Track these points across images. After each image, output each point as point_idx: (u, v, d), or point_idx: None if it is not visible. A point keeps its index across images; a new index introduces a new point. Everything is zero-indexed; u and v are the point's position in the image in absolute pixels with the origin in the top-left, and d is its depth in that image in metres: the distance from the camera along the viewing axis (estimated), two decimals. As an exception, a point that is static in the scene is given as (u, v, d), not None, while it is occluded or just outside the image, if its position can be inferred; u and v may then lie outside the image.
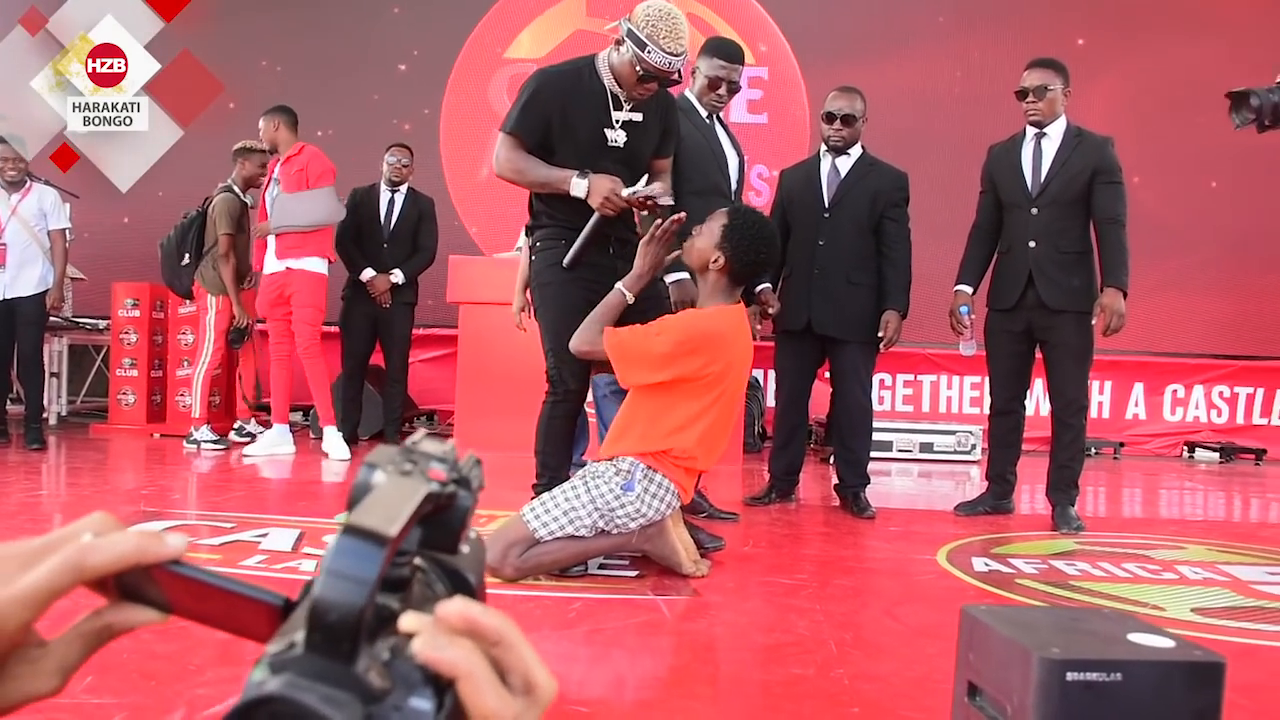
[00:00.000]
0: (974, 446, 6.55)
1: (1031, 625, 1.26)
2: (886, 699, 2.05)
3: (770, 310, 4.15)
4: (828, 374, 4.45)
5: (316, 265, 5.44)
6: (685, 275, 3.58)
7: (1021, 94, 4.14)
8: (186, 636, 2.25)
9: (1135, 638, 1.22)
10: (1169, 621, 2.66)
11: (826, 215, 4.24)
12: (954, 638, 1.49)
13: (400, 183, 6.03)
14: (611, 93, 3.18)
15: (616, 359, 2.85)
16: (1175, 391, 7.45)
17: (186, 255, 5.92)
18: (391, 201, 6.03)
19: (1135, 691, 1.14)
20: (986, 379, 4.46)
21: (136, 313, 6.49)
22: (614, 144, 3.20)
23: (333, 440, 5.48)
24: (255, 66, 7.69)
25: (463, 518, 0.46)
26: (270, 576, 2.75)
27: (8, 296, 5.55)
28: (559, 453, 3.24)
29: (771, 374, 6.03)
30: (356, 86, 7.65)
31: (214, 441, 5.77)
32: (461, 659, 0.39)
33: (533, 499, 2.95)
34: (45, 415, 6.13)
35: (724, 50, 3.92)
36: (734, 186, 4.02)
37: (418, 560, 0.46)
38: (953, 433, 6.62)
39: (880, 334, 4.14)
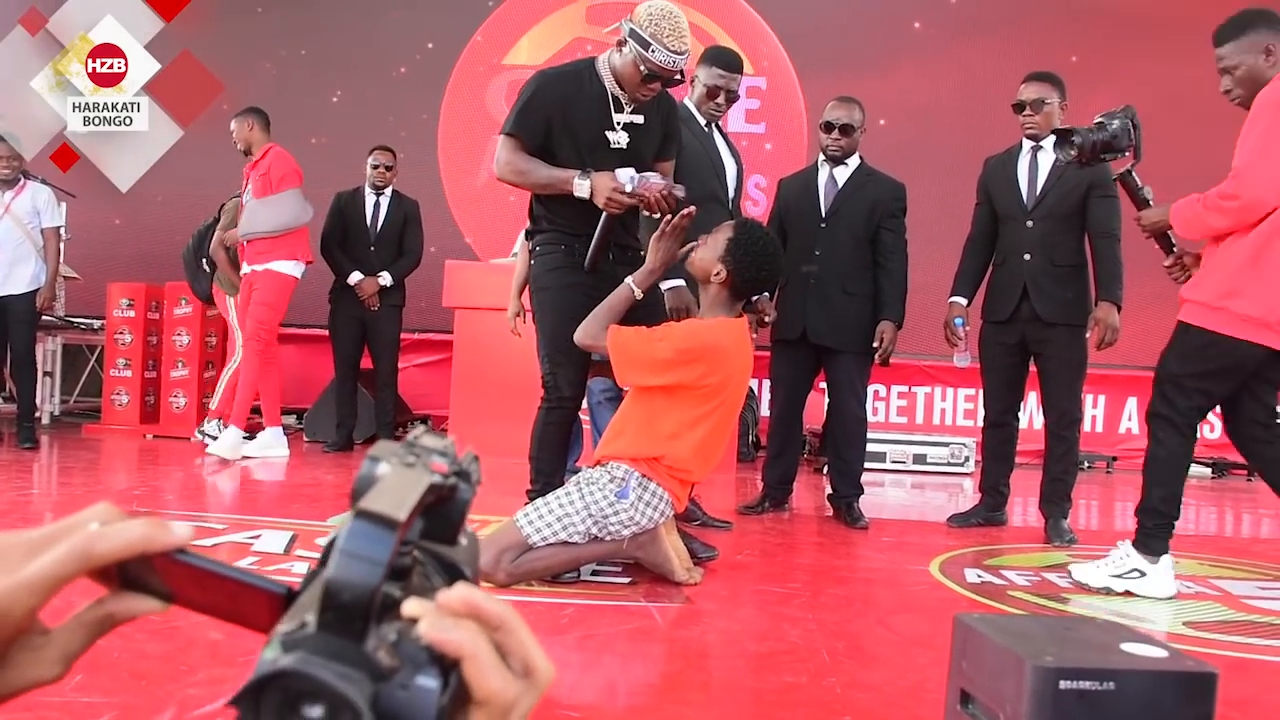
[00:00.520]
0: (967, 458, 6.55)
1: (1025, 634, 1.26)
2: (878, 707, 2.04)
3: (766, 319, 4.15)
4: (823, 384, 4.46)
5: (285, 266, 5.44)
6: (681, 282, 3.58)
7: (1018, 107, 4.15)
8: (178, 636, 2.25)
9: (1129, 647, 1.22)
10: (1159, 635, 2.66)
11: (823, 225, 4.25)
12: (946, 647, 1.50)
13: (384, 186, 6.02)
14: (612, 95, 3.18)
15: (617, 357, 2.85)
16: (1168, 406, 7.45)
17: (204, 261, 6.06)
18: (377, 205, 6.03)
19: (1128, 701, 1.14)
20: (980, 391, 4.46)
21: (131, 313, 6.47)
22: (616, 146, 3.19)
23: (227, 438, 5.39)
24: (255, 67, 7.69)
25: (462, 510, 0.47)
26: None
27: (0, 294, 5.53)
28: (553, 459, 3.23)
29: (767, 383, 6.03)
30: (355, 90, 7.66)
31: (215, 439, 5.80)
32: (466, 640, 0.40)
33: (526, 505, 2.95)
34: (38, 414, 6.10)
35: (723, 59, 3.93)
36: (732, 195, 4.03)
37: (416, 553, 0.47)
38: (946, 444, 6.62)
39: (875, 344, 4.15)
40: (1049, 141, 4.10)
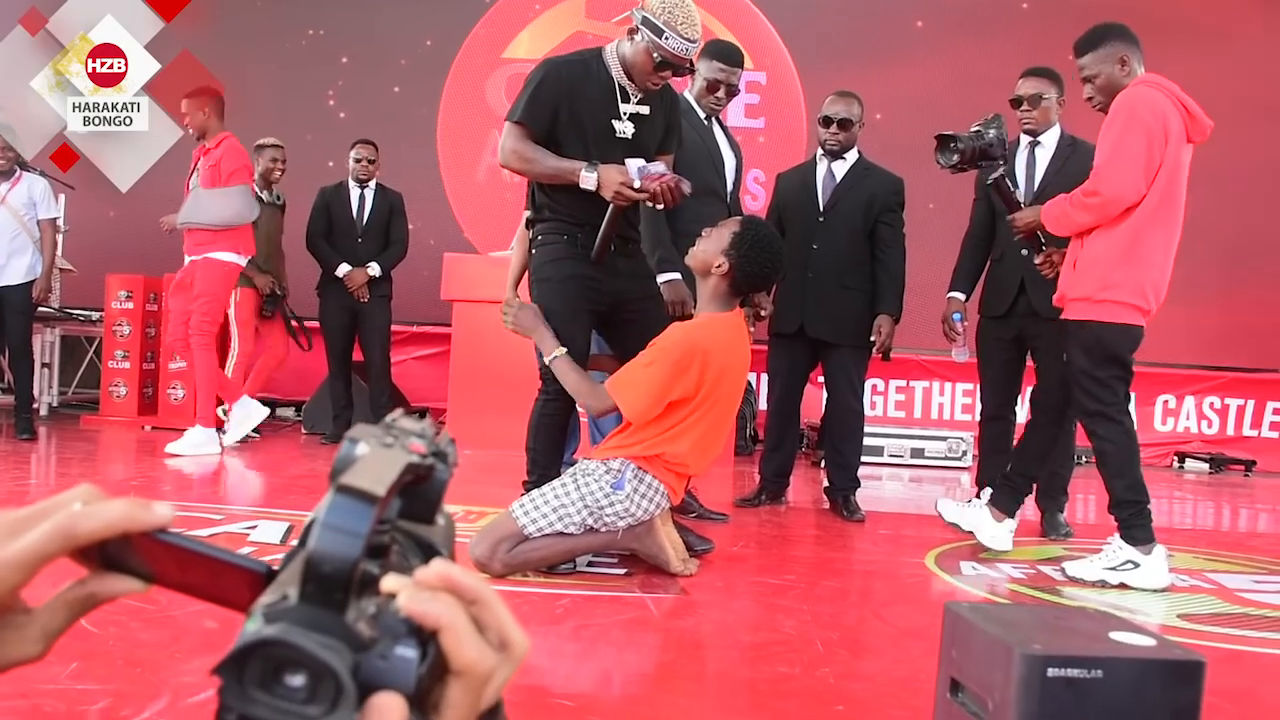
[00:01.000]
0: (965, 453, 6.56)
1: (1014, 622, 1.27)
2: (871, 697, 2.05)
3: (763, 313, 4.16)
4: (821, 378, 4.46)
5: (225, 255, 5.28)
6: (678, 275, 3.59)
7: (1016, 102, 4.14)
8: (171, 625, 2.25)
9: (1117, 636, 1.23)
10: (1154, 627, 2.67)
11: (821, 219, 4.24)
12: (939, 638, 1.50)
13: (368, 179, 6.02)
14: (619, 85, 3.16)
15: (622, 402, 2.87)
16: (1166, 402, 7.47)
17: None
18: (362, 198, 6.03)
19: (1115, 688, 1.14)
20: (978, 386, 4.46)
21: (130, 305, 6.47)
22: (622, 135, 3.18)
23: (193, 438, 5.20)
24: (254, 63, 7.68)
25: (439, 490, 0.48)
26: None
27: None
28: (549, 451, 3.23)
29: (765, 377, 6.04)
30: (354, 86, 7.65)
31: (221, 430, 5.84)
32: (444, 612, 0.41)
33: (523, 496, 2.95)
34: (36, 406, 6.11)
35: (723, 53, 3.93)
36: (730, 189, 4.03)
37: (394, 532, 0.47)
38: (944, 439, 6.63)
39: (873, 338, 4.15)
40: (1047, 137, 4.11)
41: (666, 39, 2.99)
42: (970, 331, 4.30)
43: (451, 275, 5.91)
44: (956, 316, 4.25)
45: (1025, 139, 4.17)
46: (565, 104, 3.11)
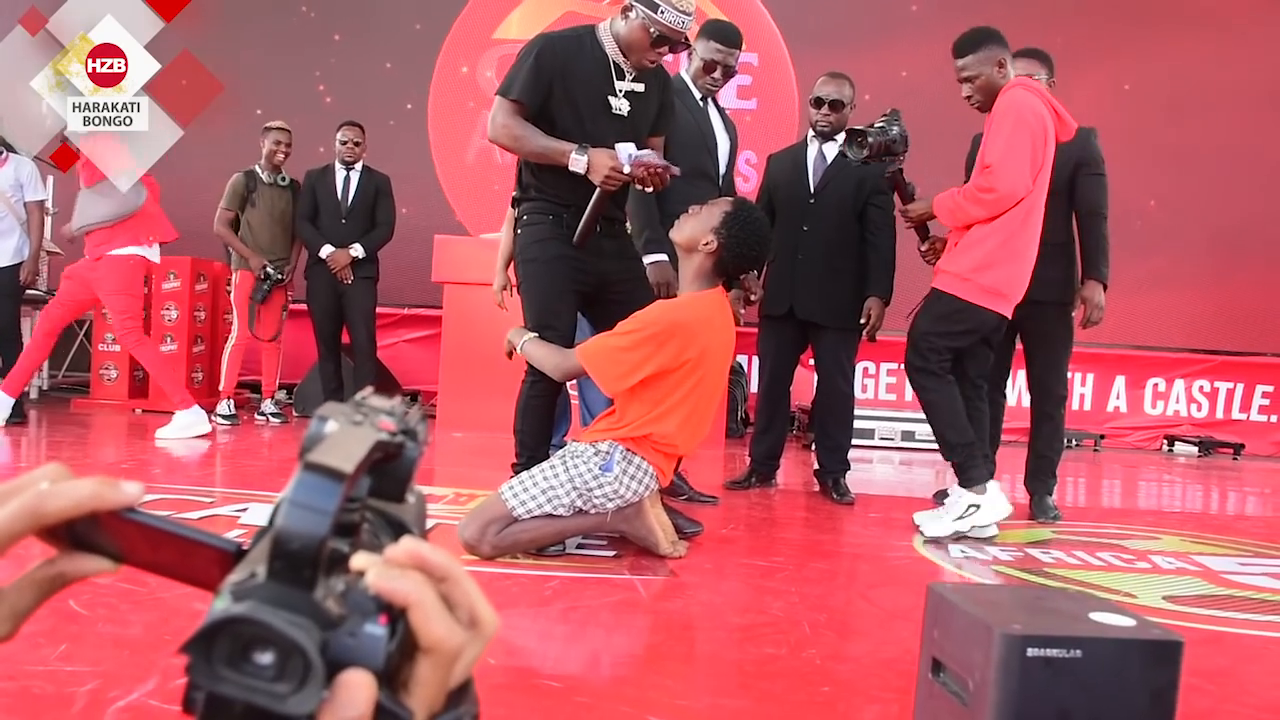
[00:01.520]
0: (955, 436, 6.57)
1: (995, 603, 1.28)
2: (857, 678, 2.07)
3: (753, 296, 4.17)
4: (812, 360, 4.47)
5: (126, 249, 5.19)
6: (664, 257, 3.59)
7: None
8: (160, 607, 2.26)
9: (1097, 616, 1.23)
10: (1140, 608, 2.69)
11: (811, 201, 4.24)
12: (923, 618, 1.51)
13: (354, 161, 6.01)
14: (614, 62, 3.15)
15: (594, 372, 2.86)
16: (1156, 385, 7.51)
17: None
18: (347, 179, 6.02)
19: (1094, 668, 1.15)
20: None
21: (119, 287, 6.44)
22: (618, 113, 3.16)
23: (183, 419, 5.18)
24: (252, 60, 7.63)
25: (410, 468, 0.48)
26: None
27: None
28: (538, 432, 3.24)
29: (756, 360, 6.04)
30: (344, 67, 7.61)
31: (227, 417, 5.92)
32: (412, 589, 0.41)
33: (512, 478, 2.96)
34: (26, 389, 6.09)
35: (721, 33, 3.91)
36: (723, 170, 4.02)
37: (364, 511, 0.47)
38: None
39: (863, 320, 4.16)
40: None
41: (662, 13, 2.98)
42: None
43: (442, 257, 5.90)
44: None
45: None
46: (560, 80, 3.08)
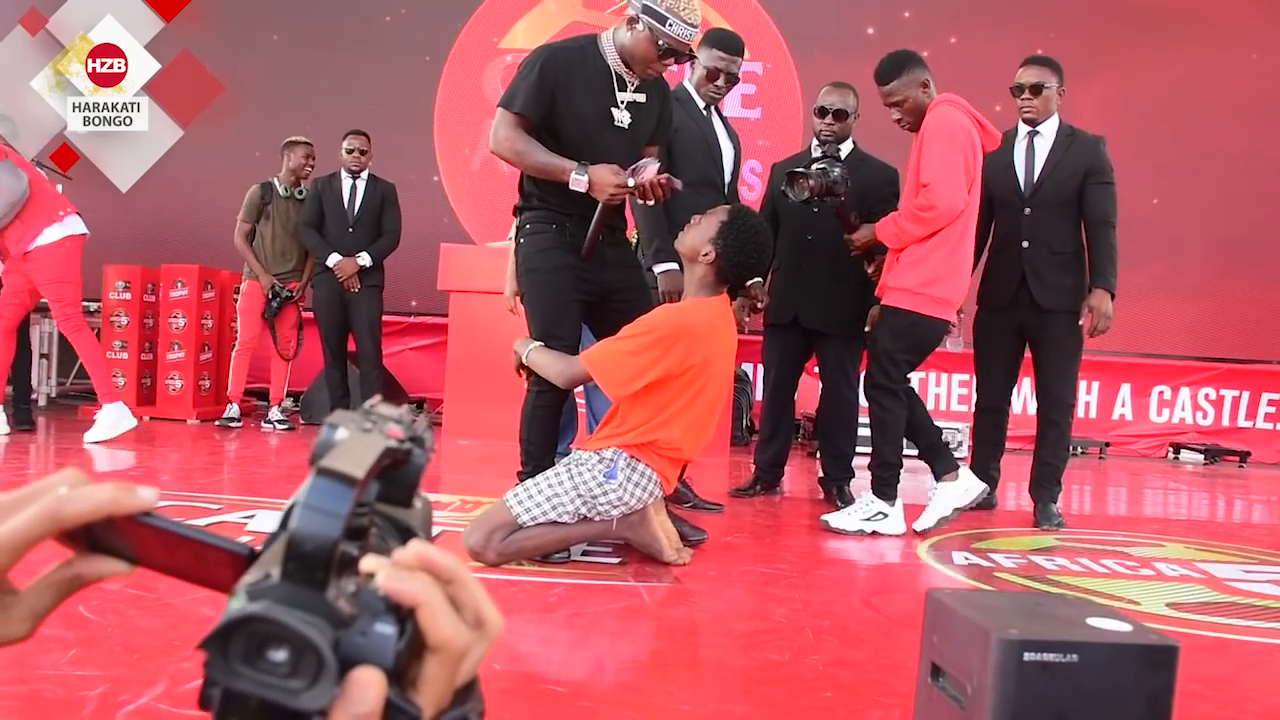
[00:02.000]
0: (960, 443, 6.57)
1: (993, 608, 1.29)
2: (859, 684, 2.08)
3: (759, 305, 4.18)
4: (817, 369, 4.48)
5: (53, 234, 5.05)
6: (674, 266, 3.60)
7: (1017, 90, 4.13)
8: (169, 612, 2.28)
9: (1093, 621, 1.25)
10: (1144, 615, 2.70)
11: (815, 209, 4.25)
12: (924, 624, 1.53)
13: (360, 170, 6.04)
14: (616, 73, 3.16)
15: (599, 376, 2.88)
16: (1162, 393, 7.51)
17: None
18: (354, 188, 6.06)
19: (1090, 672, 1.17)
20: (974, 376, 4.48)
21: (128, 295, 6.49)
22: (620, 125, 3.17)
23: (107, 415, 5.08)
24: (256, 66, 7.68)
25: (417, 474, 0.50)
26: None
27: None
28: (543, 441, 3.25)
29: (761, 368, 6.06)
30: (351, 76, 7.65)
31: (232, 420, 6.03)
32: (421, 589, 0.42)
33: (517, 486, 2.98)
34: (34, 396, 6.13)
35: (724, 41, 3.93)
36: (728, 179, 4.04)
37: (373, 515, 0.49)
38: (939, 430, 6.64)
39: (867, 328, 4.17)
40: (1046, 127, 4.12)
41: (670, 26, 2.99)
42: (965, 322, 4.31)
43: (448, 265, 5.93)
44: None
45: (1024, 129, 4.16)
46: (562, 92, 3.09)
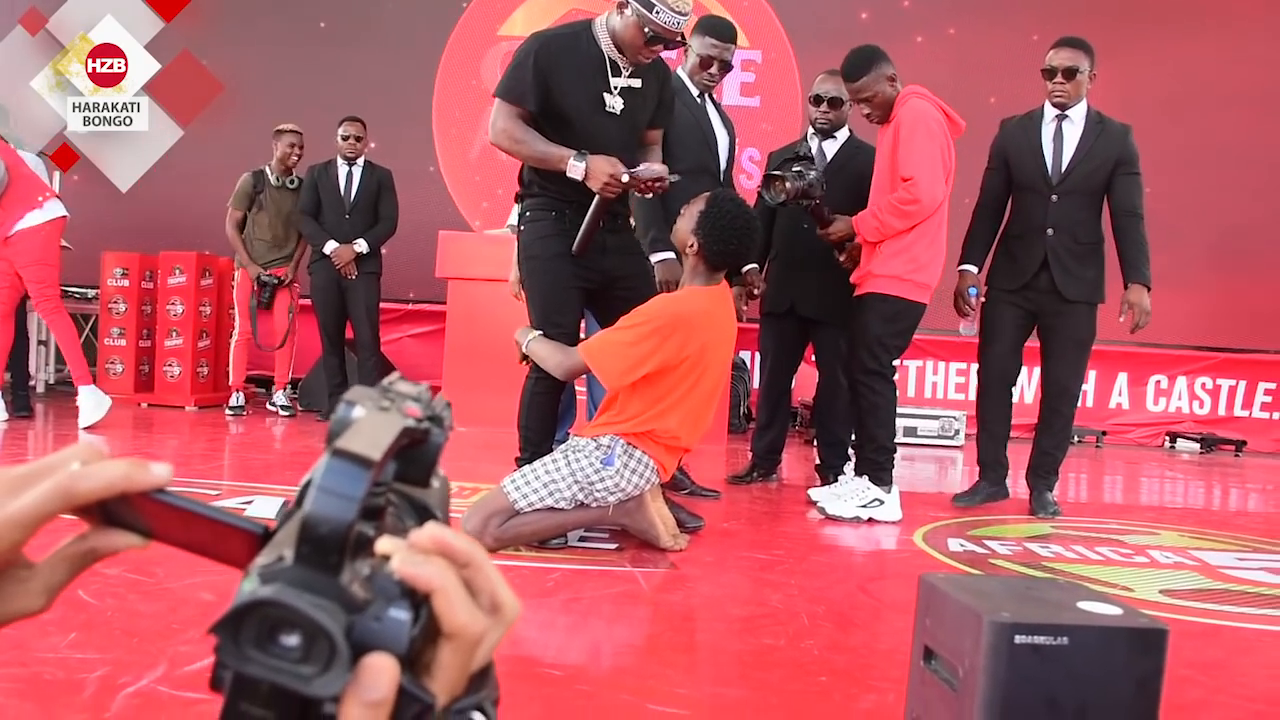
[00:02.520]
0: (958, 431, 6.61)
1: (985, 592, 1.30)
2: (854, 668, 2.10)
3: (755, 292, 4.19)
4: (814, 357, 4.49)
5: (34, 218, 5.09)
6: (671, 255, 3.61)
7: (1049, 73, 3.97)
8: (168, 596, 2.29)
9: (1084, 605, 1.26)
10: (1137, 602, 2.72)
11: (824, 189, 4.24)
12: (917, 608, 1.54)
13: (355, 157, 6.04)
14: (610, 59, 3.14)
15: (597, 368, 2.89)
16: (1158, 382, 7.52)
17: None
18: (349, 175, 6.05)
19: (1080, 655, 1.18)
20: (976, 362, 4.41)
21: (125, 282, 6.49)
22: (612, 110, 3.16)
23: (87, 400, 5.17)
24: (256, 65, 7.67)
25: (435, 453, 0.49)
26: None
27: None
28: (541, 427, 3.26)
29: (758, 356, 6.07)
30: (349, 64, 7.63)
31: (236, 408, 6.05)
32: (436, 575, 0.41)
33: (514, 472, 2.99)
34: (32, 383, 6.13)
35: (716, 28, 3.92)
36: (723, 166, 4.04)
37: (389, 494, 0.49)
38: (937, 418, 6.67)
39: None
40: (1075, 112, 3.97)
41: (657, 13, 2.97)
42: (978, 306, 4.19)
43: (446, 253, 5.93)
44: (973, 291, 4.11)
45: (1051, 112, 4.01)
46: (555, 79, 3.09)
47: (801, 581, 2.79)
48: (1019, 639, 1.18)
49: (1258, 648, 2.45)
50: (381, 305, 6.20)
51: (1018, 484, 4.27)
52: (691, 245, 2.96)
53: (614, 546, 3.06)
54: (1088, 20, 7.32)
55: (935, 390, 7.44)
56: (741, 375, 6.80)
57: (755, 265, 4.27)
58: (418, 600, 0.41)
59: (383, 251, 6.15)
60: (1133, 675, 1.20)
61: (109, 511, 0.49)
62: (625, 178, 2.99)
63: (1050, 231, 3.96)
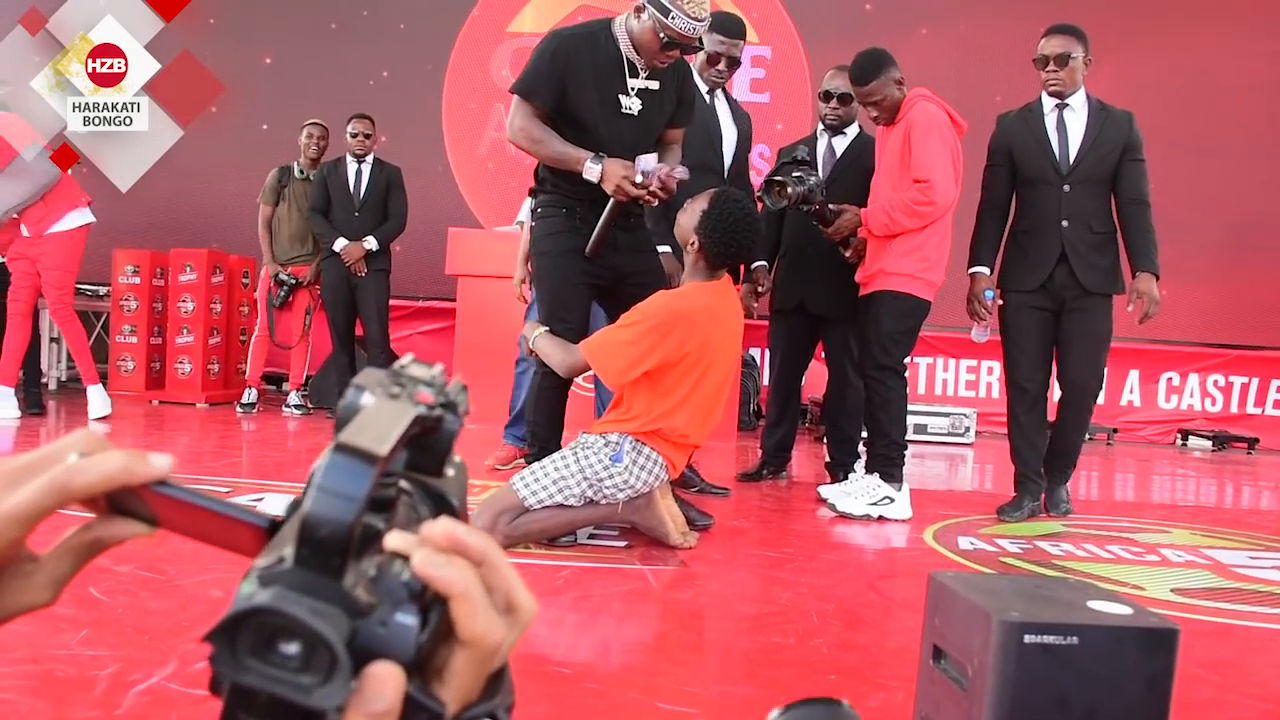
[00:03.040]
0: (968, 429, 6.59)
1: (995, 591, 1.30)
2: (863, 667, 2.09)
3: (760, 289, 4.19)
4: (824, 354, 4.48)
5: (70, 221, 5.31)
6: (667, 248, 3.63)
7: (1041, 62, 3.88)
8: (179, 594, 2.30)
9: (1094, 604, 1.26)
10: (1148, 600, 2.71)
11: (824, 194, 4.24)
12: (927, 607, 1.54)
13: (364, 154, 6.05)
14: (628, 59, 3.14)
15: (597, 366, 2.89)
16: (1170, 379, 7.49)
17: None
18: (359, 173, 6.06)
19: (1090, 655, 1.18)
20: (987, 360, 4.42)
21: (137, 280, 6.52)
22: (628, 111, 3.16)
23: (96, 397, 5.38)
24: (256, 66, 7.68)
25: (448, 441, 0.47)
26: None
27: None
28: (549, 423, 3.27)
29: (768, 353, 6.06)
30: (356, 62, 7.64)
31: (249, 405, 6.11)
32: (458, 578, 0.39)
33: (523, 469, 2.99)
34: (44, 380, 6.17)
35: (723, 25, 3.91)
36: (729, 164, 4.03)
37: (403, 483, 0.46)
38: (947, 415, 6.66)
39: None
40: (1075, 100, 3.87)
41: (673, 18, 2.96)
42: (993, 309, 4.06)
43: (456, 250, 5.93)
44: (989, 294, 3.96)
45: (1050, 102, 3.90)
46: (573, 79, 3.09)
47: (811, 579, 2.79)
48: (1028, 638, 1.17)
49: (1270, 647, 2.43)
50: (391, 302, 6.21)
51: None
52: (693, 243, 2.96)
53: (623, 544, 3.06)
54: (1092, 14, 7.27)
55: (945, 387, 7.43)
56: (751, 372, 6.80)
57: (764, 263, 4.26)
58: (426, 603, 0.39)
59: (393, 249, 6.16)
60: (1143, 675, 1.19)
61: (114, 500, 0.47)
62: (639, 178, 2.99)
63: (1065, 223, 3.84)
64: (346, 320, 6.06)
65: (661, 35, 3.00)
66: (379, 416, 0.41)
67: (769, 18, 7.53)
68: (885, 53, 3.82)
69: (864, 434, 4.02)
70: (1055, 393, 4.03)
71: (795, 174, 3.79)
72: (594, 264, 3.19)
